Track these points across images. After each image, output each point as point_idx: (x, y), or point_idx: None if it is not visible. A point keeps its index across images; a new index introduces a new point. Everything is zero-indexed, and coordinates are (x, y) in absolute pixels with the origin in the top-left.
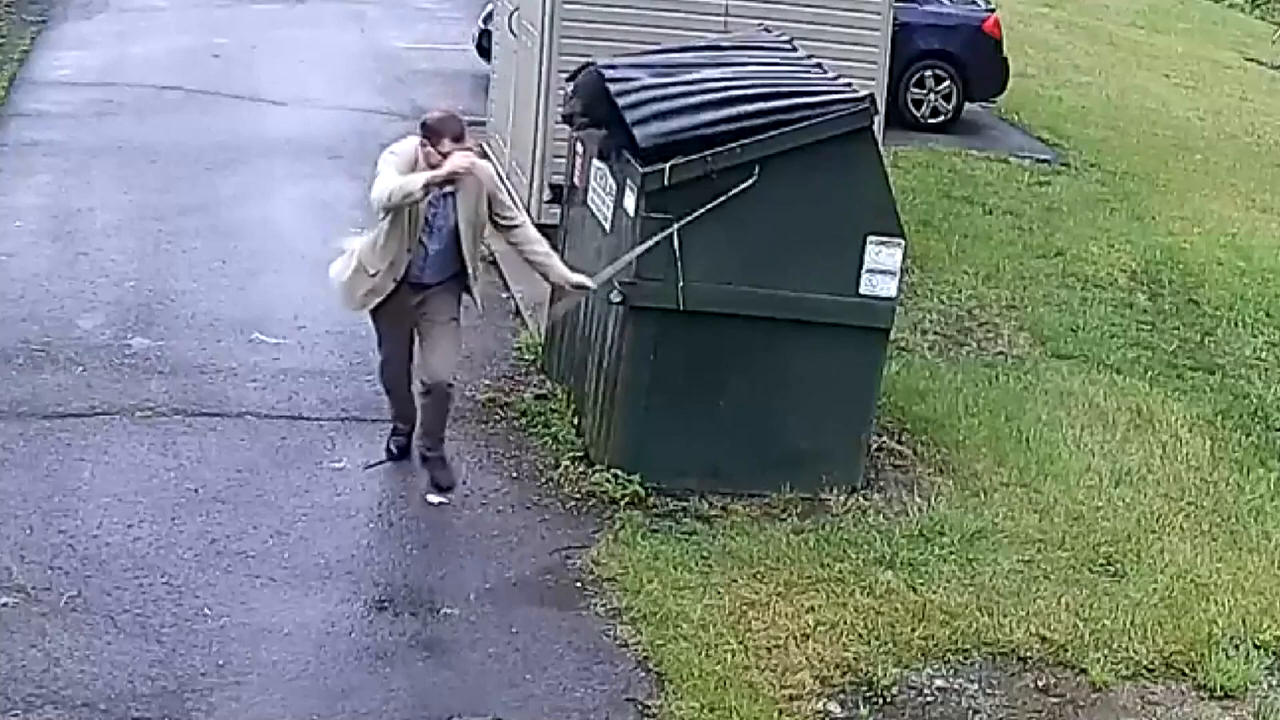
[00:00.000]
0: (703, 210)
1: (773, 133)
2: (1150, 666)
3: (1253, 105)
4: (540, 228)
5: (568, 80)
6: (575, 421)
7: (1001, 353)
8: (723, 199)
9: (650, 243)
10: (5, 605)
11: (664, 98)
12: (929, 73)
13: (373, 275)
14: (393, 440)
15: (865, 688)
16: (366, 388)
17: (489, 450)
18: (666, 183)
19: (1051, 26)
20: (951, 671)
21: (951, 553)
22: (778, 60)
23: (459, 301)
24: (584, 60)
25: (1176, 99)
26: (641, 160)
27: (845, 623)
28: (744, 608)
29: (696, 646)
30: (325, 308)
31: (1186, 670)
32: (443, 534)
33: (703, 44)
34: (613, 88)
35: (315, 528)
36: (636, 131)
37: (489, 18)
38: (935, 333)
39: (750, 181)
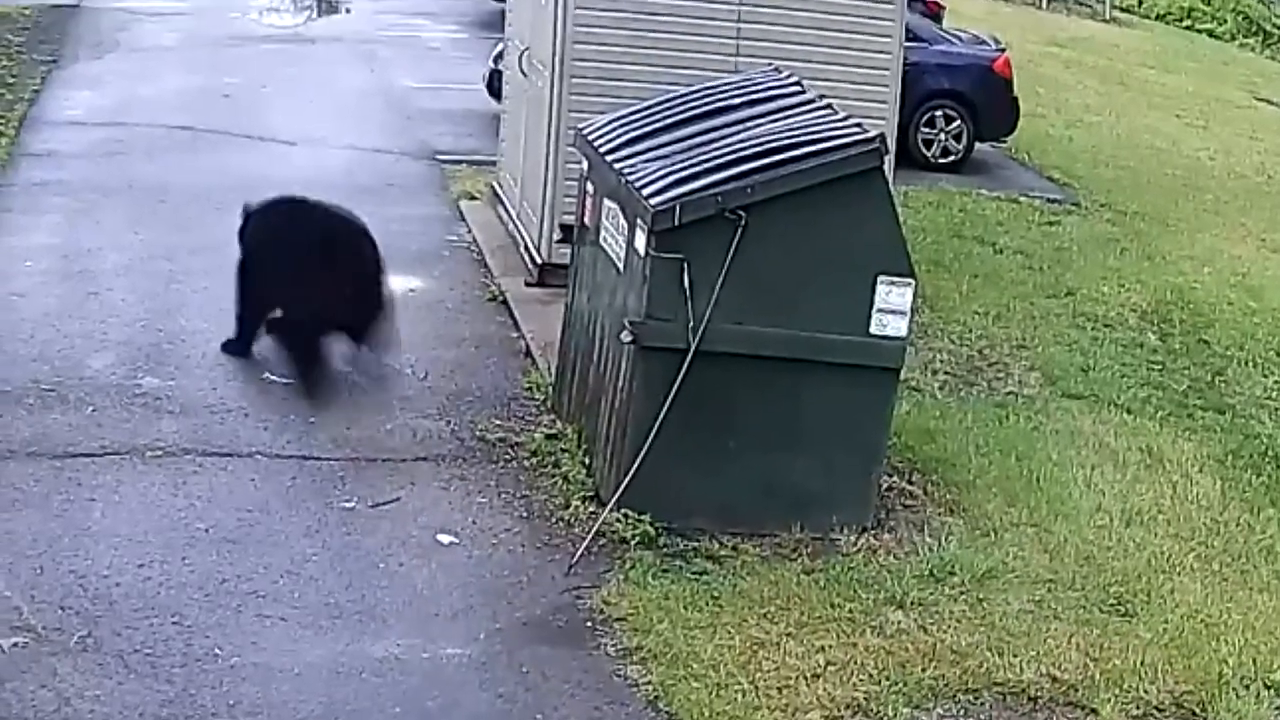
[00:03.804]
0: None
1: (783, 171)
2: (1160, 707)
3: (1263, 145)
4: (551, 267)
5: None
6: (585, 461)
7: (1012, 392)
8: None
9: None
10: (16, 645)
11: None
12: (939, 112)
13: None
14: None
15: None
16: (376, 429)
17: (499, 490)
18: (677, 222)
19: (1062, 66)
20: (962, 711)
21: (962, 593)
22: (788, 109)
23: None
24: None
25: (1187, 139)
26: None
27: (855, 662)
28: (754, 647)
29: (707, 686)
30: (336, 348)
31: (1197, 710)
32: (452, 574)
33: (710, 102)
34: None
35: (325, 567)
36: (651, 199)
37: (499, 57)
38: (946, 372)
39: (742, 225)
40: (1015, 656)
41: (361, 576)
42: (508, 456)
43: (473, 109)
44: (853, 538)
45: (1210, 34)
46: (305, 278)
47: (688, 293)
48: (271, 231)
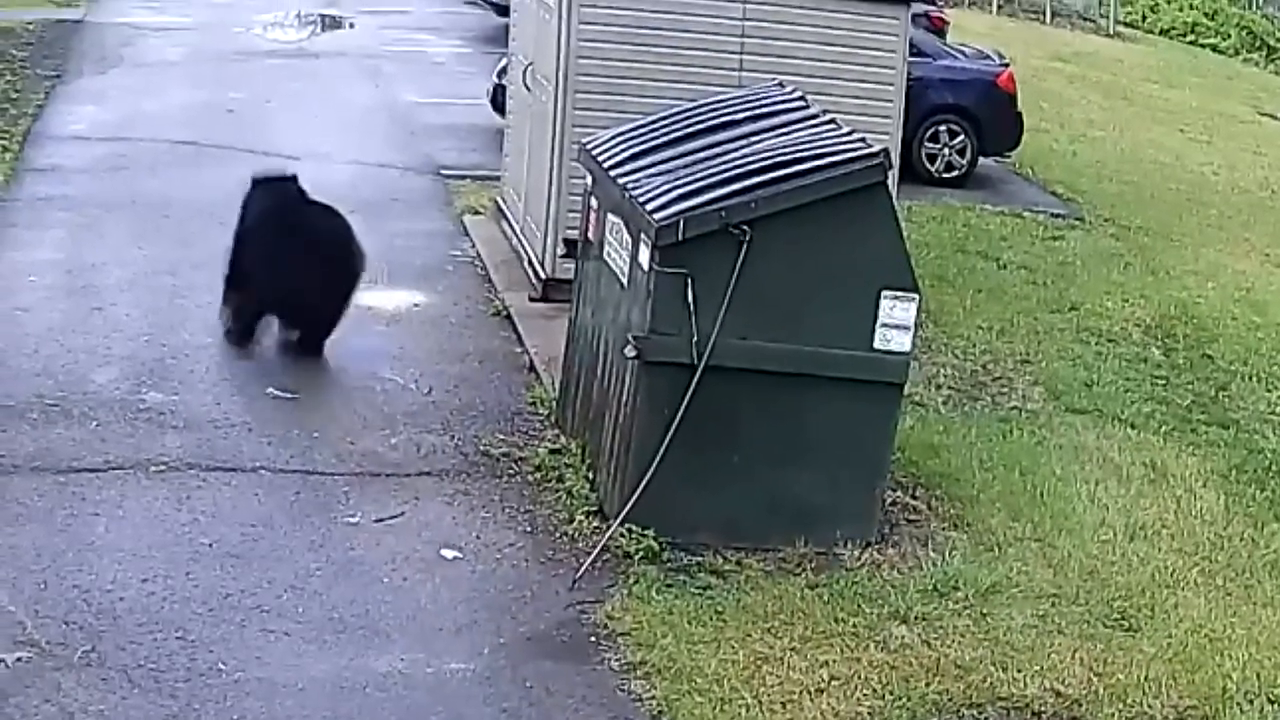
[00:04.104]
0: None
1: (787, 186)
2: None
3: (1267, 160)
4: (555, 282)
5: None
6: (589, 476)
7: (1016, 407)
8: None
9: None
10: (20, 660)
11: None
12: (943, 127)
13: None
14: None
15: None
16: (380, 443)
17: (503, 505)
18: (680, 237)
19: (1065, 81)
20: None
21: (965, 607)
22: (791, 124)
23: None
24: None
25: (1191, 153)
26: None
27: (859, 677)
28: (758, 662)
29: (711, 701)
30: (339, 363)
31: None
32: (456, 588)
33: (714, 117)
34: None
35: (329, 582)
36: (655, 214)
37: (503, 72)
38: (949, 387)
39: (747, 240)
40: (1019, 671)
41: (365, 591)
42: (511, 471)
43: (477, 124)
44: (857, 552)
45: (1214, 49)
46: (284, 271)
47: (691, 308)
48: (263, 216)
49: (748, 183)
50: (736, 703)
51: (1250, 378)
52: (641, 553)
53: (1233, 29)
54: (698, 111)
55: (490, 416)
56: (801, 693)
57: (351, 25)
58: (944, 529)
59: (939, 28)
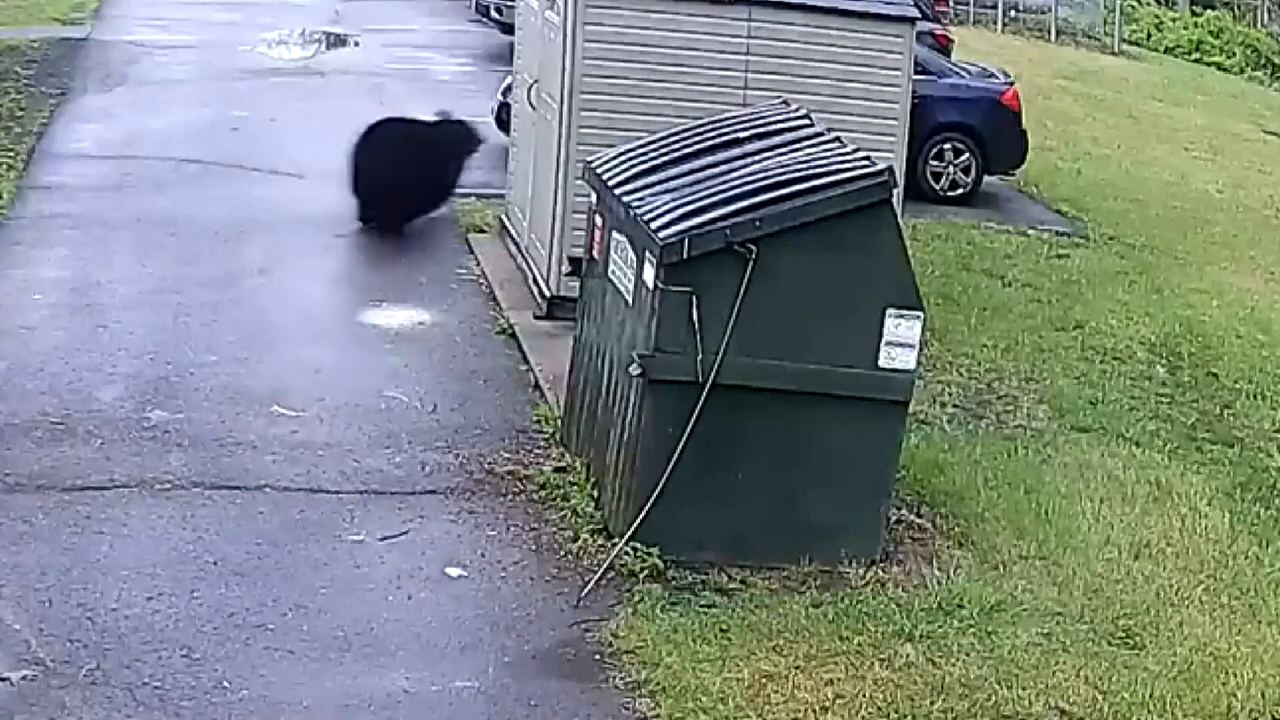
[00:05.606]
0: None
1: (792, 204)
2: None
3: (1272, 178)
4: (560, 300)
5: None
6: (594, 494)
7: (1021, 425)
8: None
9: None
10: (24, 678)
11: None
12: (948, 145)
13: None
14: None
15: None
16: (385, 461)
17: (508, 523)
18: (686, 255)
19: (1071, 99)
20: None
21: (970, 626)
22: (796, 142)
23: None
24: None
25: (1195, 172)
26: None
27: (864, 696)
28: (763, 680)
29: (716, 719)
30: (344, 381)
31: None
32: (461, 607)
33: (718, 136)
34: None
35: (334, 600)
36: (660, 233)
37: (508, 90)
38: (954, 405)
39: (752, 259)
40: (1024, 689)
41: (369, 609)
42: (516, 489)
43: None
44: (861, 570)
45: (1219, 67)
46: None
47: (696, 326)
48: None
49: (753, 201)
50: None
51: (1255, 396)
52: (646, 571)
53: (1237, 47)
54: (703, 130)
55: (495, 434)
56: (806, 711)
57: (356, 43)
58: (949, 547)
59: (944, 46)
